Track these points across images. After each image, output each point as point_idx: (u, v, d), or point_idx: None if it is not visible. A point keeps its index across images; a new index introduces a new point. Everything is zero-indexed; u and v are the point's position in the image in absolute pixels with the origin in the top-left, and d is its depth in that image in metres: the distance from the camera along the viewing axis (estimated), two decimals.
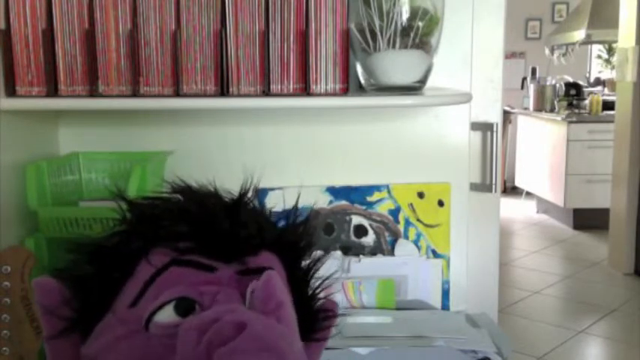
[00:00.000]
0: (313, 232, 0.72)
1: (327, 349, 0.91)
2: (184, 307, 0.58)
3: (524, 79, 5.74)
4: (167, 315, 0.58)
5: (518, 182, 5.85)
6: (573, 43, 5.39)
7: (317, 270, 0.70)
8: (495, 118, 1.20)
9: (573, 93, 5.30)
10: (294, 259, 0.68)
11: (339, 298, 1.09)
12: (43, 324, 0.63)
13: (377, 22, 0.92)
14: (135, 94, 0.92)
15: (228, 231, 0.63)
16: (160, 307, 0.58)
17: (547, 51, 5.82)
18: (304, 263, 0.70)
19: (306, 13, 0.92)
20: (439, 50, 0.99)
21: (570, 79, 5.43)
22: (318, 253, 0.72)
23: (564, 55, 5.70)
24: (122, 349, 0.58)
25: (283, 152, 1.16)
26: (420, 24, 0.93)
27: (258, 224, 0.66)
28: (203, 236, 0.62)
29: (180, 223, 0.63)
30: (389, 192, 1.15)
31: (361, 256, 1.11)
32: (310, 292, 0.69)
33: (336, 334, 0.79)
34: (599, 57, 6.45)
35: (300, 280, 0.68)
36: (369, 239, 1.14)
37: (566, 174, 4.90)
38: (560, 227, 5.08)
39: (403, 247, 1.14)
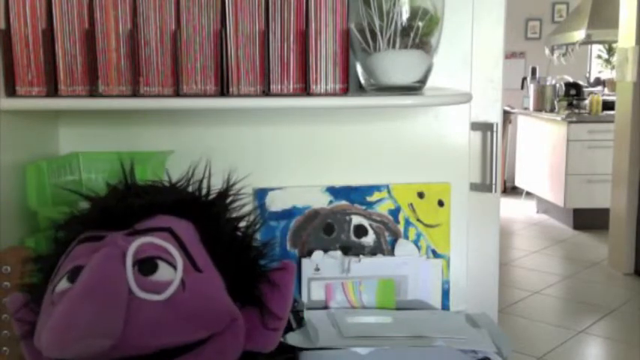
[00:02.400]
0: (232, 200, 0.79)
1: (327, 349, 0.91)
2: (75, 275, 0.65)
3: (524, 79, 5.74)
4: (62, 284, 0.66)
5: (518, 182, 5.86)
6: (573, 43, 5.39)
7: (247, 234, 0.77)
8: (495, 118, 1.20)
9: (573, 93, 5.30)
10: (207, 222, 0.74)
11: (338, 297, 1.09)
12: (15, 327, 0.74)
13: (377, 22, 0.92)
14: (135, 94, 0.92)
15: (117, 204, 0.73)
16: (60, 280, 0.67)
17: (547, 51, 5.82)
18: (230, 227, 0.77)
19: (306, 13, 0.92)
20: (439, 50, 0.99)
21: (570, 79, 5.43)
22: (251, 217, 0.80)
23: (564, 55, 5.70)
24: (39, 323, 0.67)
25: (283, 152, 1.16)
26: (420, 24, 0.93)
27: (152, 194, 0.75)
28: (101, 214, 0.73)
29: (90, 210, 0.76)
30: (389, 192, 1.15)
31: (361, 256, 1.11)
32: (245, 257, 0.75)
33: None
34: (599, 57, 6.45)
35: (223, 242, 0.74)
36: (369, 239, 1.14)
37: (566, 174, 4.90)
38: (560, 227, 5.09)
39: (403, 247, 1.14)
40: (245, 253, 0.75)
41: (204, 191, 0.79)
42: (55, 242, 0.76)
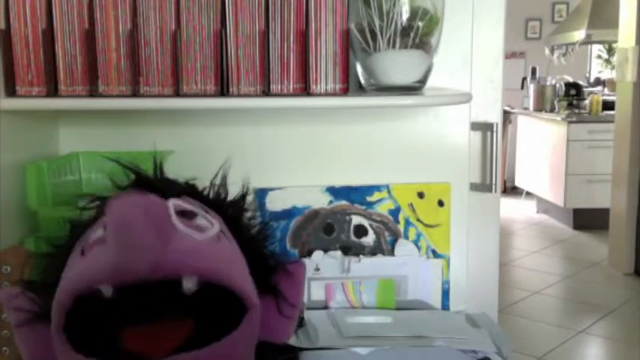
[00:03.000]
0: (246, 206, 0.81)
1: (327, 349, 0.91)
2: None
3: (524, 79, 5.74)
4: (96, 234, 0.65)
5: (518, 182, 5.86)
6: (573, 43, 5.39)
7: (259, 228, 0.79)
8: (495, 118, 1.20)
9: (573, 93, 5.30)
10: (228, 219, 0.75)
11: (338, 297, 1.09)
12: (10, 316, 0.70)
13: (377, 22, 0.92)
14: (135, 94, 0.92)
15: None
16: (91, 235, 0.66)
17: (547, 51, 5.83)
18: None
19: (306, 13, 0.92)
20: (439, 50, 0.99)
21: (570, 79, 5.43)
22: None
23: (564, 55, 5.70)
24: (64, 277, 0.64)
25: (283, 152, 1.16)
26: (420, 24, 0.93)
27: (163, 186, 0.75)
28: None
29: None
30: (389, 192, 1.15)
31: (361, 256, 1.11)
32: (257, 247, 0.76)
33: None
34: (599, 57, 6.46)
35: (244, 235, 0.75)
36: (369, 239, 1.14)
37: (566, 174, 4.90)
38: (560, 227, 5.09)
39: (403, 247, 1.14)
40: (260, 246, 0.77)
41: (222, 194, 0.80)
42: (70, 231, 0.74)
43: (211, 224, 0.67)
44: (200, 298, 0.62)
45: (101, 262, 0.59)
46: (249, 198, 0.82)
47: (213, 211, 0.74)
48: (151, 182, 0.73)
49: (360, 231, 1.14)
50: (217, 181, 0.80)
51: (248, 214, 0.81)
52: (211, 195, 0.79)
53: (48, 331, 0.63)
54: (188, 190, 0.76)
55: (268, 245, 0.79)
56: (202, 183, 0.81)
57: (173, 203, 0.65)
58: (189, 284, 0.61)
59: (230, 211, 0.78)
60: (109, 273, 0.58)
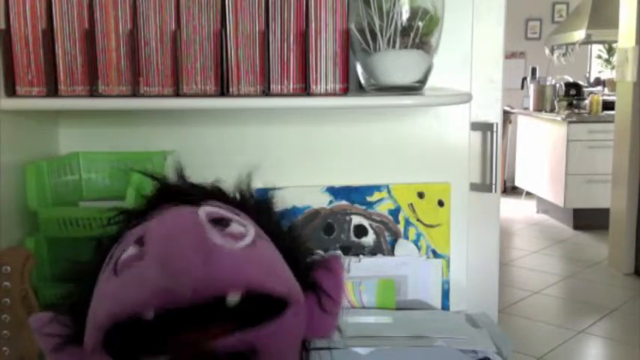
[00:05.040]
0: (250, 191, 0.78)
1: (327, 349, 0.91)
2: (142, 241, 0.62)
3: (524, 79, 5.74)
4: (129, 252, 0.62)
5: (518, 182, 5.86)
6: (573, 43, 5.40)
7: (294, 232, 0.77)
8: (495, 118, 1.20)
9: (573, 93, 5.30)
10: (260, 218, 0.74)
11: None
12: (42, 343, 0.67)
13: (377, 22, 0.92)
14: (135, 94, 0.92)
15: (169, 194, 0.71)
16: (122, 253, 0.63)
17: (547, 51, 5.83)
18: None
19: (306, 13, 0.92)
20: (439, 50, 0.99)
21: (570, 79, 5.44)
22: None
23: (564, 55, 5.71)
24: (99, 297, 0.63)
25: (283, 152, 1.16)
26: (420, 24, 0.93)
27: (195, 188, 0.73)
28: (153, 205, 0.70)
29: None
30: (389, 192, 1.15)
31: (361, 256, 1.11)
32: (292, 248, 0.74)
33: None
34: (599, 57, 6.46)
35: (278, 233, 0.73)
36: (369, 239, 1.14)
37: (566, 174, 4.90)
38: (560, 227, 5.09)
39: (403, 247, 1.14)
40: (296, 242, 0.75)
41: (248, 195, 0.78)
42: (96, 248, 0.72)
43: (246, 229, 0.66)
44: (243, 306, 0.61)
45: (144, 288, 0.58)
46: (275, 198, 0.80)
47: (243, 212, 0.73)
48: (179, 190, 0.71)
49: (360, 231, 1.14)
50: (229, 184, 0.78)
51: (277, 213, 0.79)
52: (238, 197, 0.77)
53: (80, 352, 0.62)
54: (215, 192, 0.74)
55: (302, 242, 0.77)
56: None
57: (206, 212, 0.64)
58: (232, 299, 0.60)
59: (259, 212, 0.76)
60: (152, 299, 0.57)
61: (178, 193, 0.70)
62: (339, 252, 1.12)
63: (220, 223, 0.65)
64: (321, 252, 1.11)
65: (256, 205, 0.76)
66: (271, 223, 0.75)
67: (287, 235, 0.75)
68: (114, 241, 0.69)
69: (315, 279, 0.71)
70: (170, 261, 0.57)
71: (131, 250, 0.63)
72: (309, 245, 0.77)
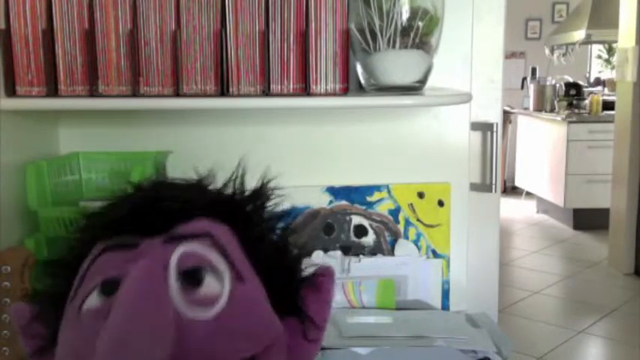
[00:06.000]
0: (267, 198, 0.73)
1: (327, 349, 0.91)
2: (109, 289, 0.59)
3: (524, 79, 5.74)
4: (94, 300, 0.60)
5: (518, 182, 5.86)
6: (573, 43, 5.40)
7: (285, 236, 0.71)
8: (495, 118, 1.20)
9: (573, 93, 5.30)
10: (245, 224, 0.69)
11: (338, 297, 1.09)
12: (22, 345, 0.66)
13: (377, 22, 0.92)
14: (135, 94, 0.92)
15: (147, 206, 0.65)
16: (89, 294, 0.60)
17: (547, 51, 5.83)
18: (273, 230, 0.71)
19: (306, 13, 0.92)
20: (439, 50, 0.99)
21: (570, 79, 5.43)
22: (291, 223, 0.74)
23: (564, 55, 5.71)
24: (61, 341, 0.61)
25: (283, 152, 1.16)
26: (420, 24, 0.93)
27: (186, 194, 0.67)
28: (133, 217, 0.64)
29: (114, 211, 0.66)
30: (389, 192, 1.15)
31: (361, 256, 1.11)
32: (284, 262, 0.69)
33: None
34: (599, 57, 6.45)
35: (263, 245, 0.68)
36: (369, 239, 1.14)
37: (566, 174, 4.90)
38: (560, 227, 5.09)
39: (403, 247, 1.14)
40: (284, 256, 0.70)
41: (238, 191, 0.72)
42: (71, 246, 0.68)
43: (221, 284, 0.61)
44: None
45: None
46: (278, 197, 0.75)
47: (228, 223, 0.67)
48: (145, 214, 0.64)
49: (360, 231, 1.14)
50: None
51: (270, 216, 0.73)
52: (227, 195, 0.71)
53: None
54: (195, 199, 0.68)
55: (292, 250, 0.71)
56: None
57: (175, 265, 0.59)
58: None
59: (249, 208, 0.71)
60: None
61: (148, 219, 0.64)
62: (338, 252, 1.12)
63: (193, 277, 0.60)
64: (320, 252, 1.11)
65: (245, 208, 0.71)
66: (259, 231, 0.70)
67: (276, 247, 0.70)
68: (85, 248, 0.65)
69: (301, 302, 0.68)
70: (131, 343, 0.53)
71: (96, 300, 0.60)
72: (302, 246, 0.72)
